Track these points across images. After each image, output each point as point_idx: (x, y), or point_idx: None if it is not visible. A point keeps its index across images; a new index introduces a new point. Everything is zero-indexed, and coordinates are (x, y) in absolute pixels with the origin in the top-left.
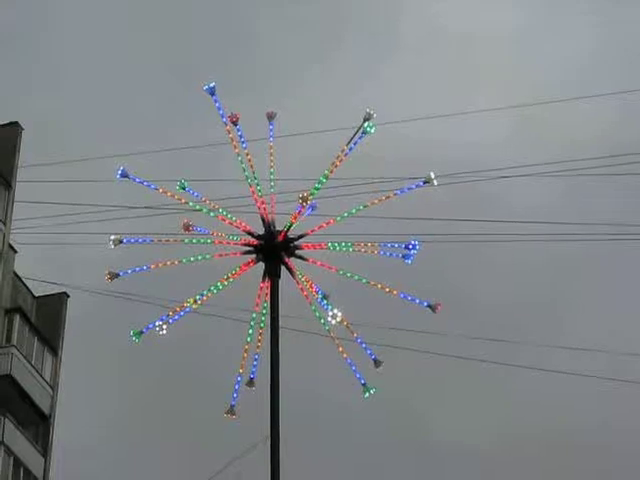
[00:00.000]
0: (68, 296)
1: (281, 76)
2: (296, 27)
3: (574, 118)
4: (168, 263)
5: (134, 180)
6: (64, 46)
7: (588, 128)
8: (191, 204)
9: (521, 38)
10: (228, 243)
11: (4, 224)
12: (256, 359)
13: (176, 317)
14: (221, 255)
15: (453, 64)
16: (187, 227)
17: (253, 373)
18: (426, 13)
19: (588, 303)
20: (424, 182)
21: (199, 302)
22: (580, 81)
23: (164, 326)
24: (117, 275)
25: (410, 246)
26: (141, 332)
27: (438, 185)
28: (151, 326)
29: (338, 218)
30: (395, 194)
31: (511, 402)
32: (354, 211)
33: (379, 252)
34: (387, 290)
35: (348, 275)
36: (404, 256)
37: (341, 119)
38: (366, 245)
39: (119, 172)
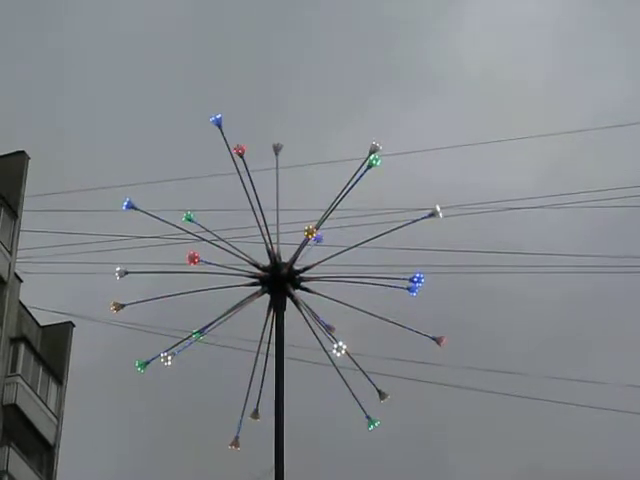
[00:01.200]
0: (74, 325)
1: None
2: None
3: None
4: (174, 294)
5: (141, 211)
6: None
7: None
8: (197, 236)
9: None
10: (233, 275)
11: (10, 253)
12: (261, 391)
13: (181, 348)
14: (226, 287)
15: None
16: (193, 258)
17: (258, 404)
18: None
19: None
20: (430, 214)
21: (204, 333)
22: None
23: (169, 357)
24: (123, 306)
25: (415, 279)
26: (146, 363)
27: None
28: (156, 357)
29: (343, 251)
30: (400, 227)
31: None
32: (359, 243)
33: (384, 284)
34: (392, 322)
35: (353, 307)
36: (409, 289)
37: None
38: (371, 277)
39: (125, 203)
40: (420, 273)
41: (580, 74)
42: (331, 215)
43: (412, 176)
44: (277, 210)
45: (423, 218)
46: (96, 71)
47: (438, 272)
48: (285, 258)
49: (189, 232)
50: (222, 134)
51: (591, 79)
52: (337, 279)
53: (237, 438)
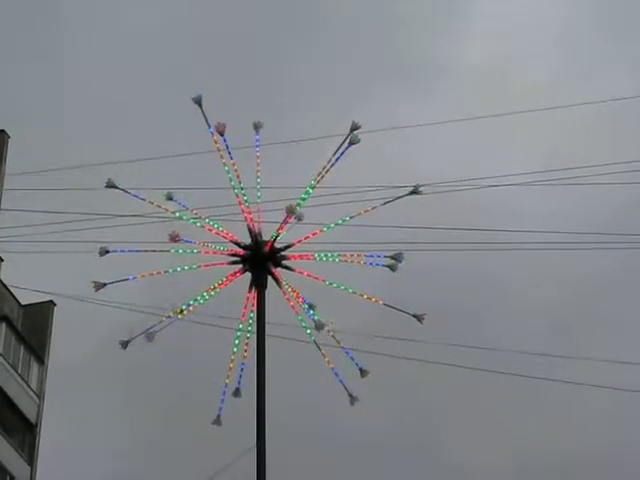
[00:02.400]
0: (55, 304)
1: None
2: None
3: None
4: (154, 273)
5: (121, 190)
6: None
7: None
8: (178, 214)
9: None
10: (214, 253)
11: None
12: (242, 369)
13: (162, 326)
14: (207, 265)
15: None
16: (174, 237)
17: (239, 383)
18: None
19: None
20: (412, 192)
21: (185, 312)
22: None
23: (150, 336)
24: (103, 285)
25: (396, 257)
26: (127, 341)
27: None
28: (137, 335)
29: (325, 228)
30: (381, 205)
31: (530, 420)
32: (341, 221)
33: (365, 262)
34: (373, 300)
35: (334, 285)
36: (390, 266)
37: None
38: (352, 255)
39: (106, 182)
40: (401, 251)
41: (581, 74)
42: (313, 193)
43: (394, 156)
44: (258, 188)
45: (405, 196)
46: (75, 47)
47: (420, 250)
48: (266, 236)
49: (170, 211)
50: (202, 112)
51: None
52: (318, 257)
53: (219, 416)
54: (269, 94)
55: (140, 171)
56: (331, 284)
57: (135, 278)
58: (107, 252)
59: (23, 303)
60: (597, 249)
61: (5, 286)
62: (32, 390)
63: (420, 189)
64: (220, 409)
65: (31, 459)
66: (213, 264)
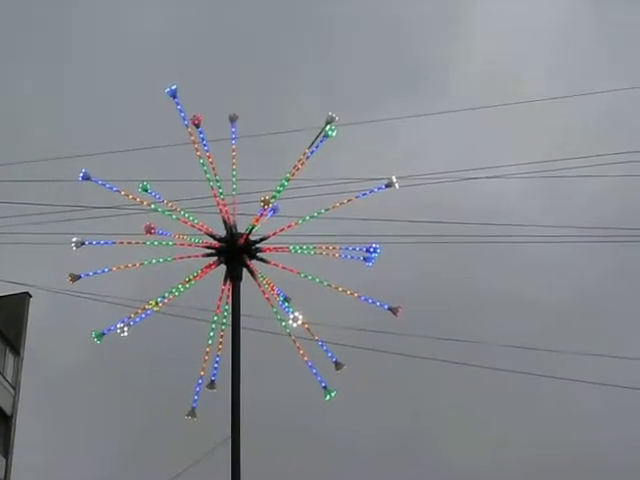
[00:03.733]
0: (30, 296)
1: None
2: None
3: None
4: (130, 265)
5: (96, 182)
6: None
7: None
8: (153, 206)
9: None
10: (189, 245)
11: None
12: (217, 361)
13: (137, 319)
14: (182, 257)
15: None
16: (149, 229)
17: (214, 375)
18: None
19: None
20: (386, 185)
21: (160, 304)
22: None
23: (125, 328)
24: (79, 277)
25: (371, 249)
26: (102, 334)
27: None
28: (112, 328)
29: (300, 221)
30: (357, 197)
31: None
32: (316, 214)
33: (340, 255)
34: (348, 293)
35: (309, 278)
36: (365, 259)
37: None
38: (327, 248)
39: (81, 174)
40: (376, 244)
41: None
42: (288, 186)
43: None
44: (233, 180)
45: (379, 189)
46: (48, 39)
47: (395, 242)
48: (241, 229)
49: (144, 202)
50: (177, 105)
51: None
52: (294, 249)
53: (194, 409)
54: (254, 86)
55: (115, 163)
56: (306, 276)
57: (110, 270)
58: (82, 244)
59: None
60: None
61: None
62: (7, 381)
63: (394, 182)
64: (195, 401)
65: (6, 451)
66: (188, 256)
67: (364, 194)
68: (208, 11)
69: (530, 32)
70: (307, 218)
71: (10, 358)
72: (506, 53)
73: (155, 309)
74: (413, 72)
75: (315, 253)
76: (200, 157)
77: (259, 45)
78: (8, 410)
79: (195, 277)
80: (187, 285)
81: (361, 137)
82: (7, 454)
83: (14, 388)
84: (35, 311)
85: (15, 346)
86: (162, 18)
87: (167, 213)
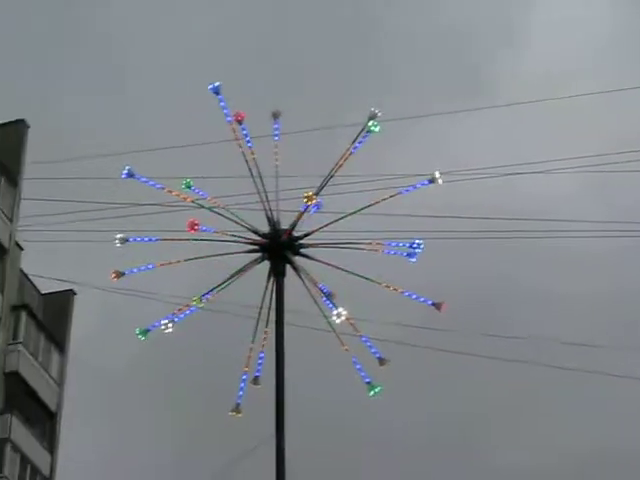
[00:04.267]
0: (75, 293)
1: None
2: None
3: None
4: (174, 261)
5: (140, 179)
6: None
7: None
8: (196, 203)
9: None
10: (233, 242)
11: (11, 221)
12: (261, 357)
13: (182, 315)
14: (226, 254)
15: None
16: (192, 226)
17: (259, 371)
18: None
19: None
20: (429, 181)
21: (204, 301)
22: None
23: (170, 324)
24: (123, 274)
25: (414, 245)
26: (147, 330)
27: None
28: (157, 324)
29: (343, 216)
30: (400, 192)
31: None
32: (359, 209)
33: (383, 250)
34: (392, 288)
35: (353, 273)
36: (408, 254)
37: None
38: (371, 244)
39: (125, 172)
40: (419, 239)
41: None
42: (331, 182)
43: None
44: (276, 177)
45: (423, 184)
46: (96, 37)
47: (439, 238)
48: (285, 225)
49: (189, 199)
50: (220, 102)
51: None
52: (336, 245)
53: (238, 405)
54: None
55: (160, 160)
56: (350, 272)
57: (154, 266)
58: (126, 241)
59: (43, 292)
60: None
61: (25, 275)
62: (52, 379)
63: (438, 178)
64: (239, 397)
65: (52, 448)
66: (232, 253)
67: (407, 190)
68: (254, 9)
69: (582, 34)
70: (350, 213)
71: (55, 355)
72: (557, 54)
73: (199, 305)
74: (467, 76)
75: (358, 249)
76: (243, 153)
77: (310, 43)
78: (53, 407)
79: (239, 273)
80: (231, 281)
81: (412, 135)
82: (52, 450)
83: (59, 385)
84: (80, 308)
85: (60, 343)
86: (206, 17)
87: (211, 209)
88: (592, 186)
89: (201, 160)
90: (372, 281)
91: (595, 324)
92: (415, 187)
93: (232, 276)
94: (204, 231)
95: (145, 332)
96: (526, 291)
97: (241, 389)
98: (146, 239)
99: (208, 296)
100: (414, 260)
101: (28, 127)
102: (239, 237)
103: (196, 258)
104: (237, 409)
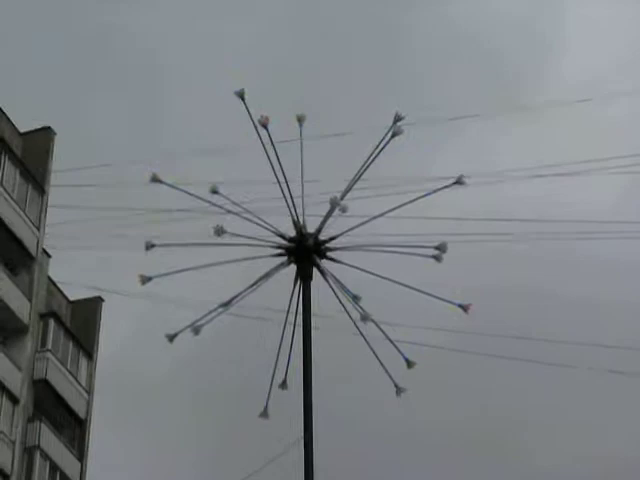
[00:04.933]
0: (103, 300)
1: None
2: None
3: None
4: (200, 266)
5: (165, 184)
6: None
7: None
8: (222, 207)
9: None
10: (259, 246)
11: (38, 229)
12: (289, 361)
13: (208, 320)
14: (252, 258)
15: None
16: (218, 231)
17: (286, 375)
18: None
19: None
20: (455, 182)
21: (231, 305)
22: None
23: (197, 329)
24: (149, 279)
25: (440, 247)
26: (174, 335)
27: (469, 185)
28: (184, 329)
29: (369, 219)
30: (425, 195)
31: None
32: (386, 212)
33: (410, 253)
34: (418, 291)
35: (379, 276)
36: (435, 257)
37: None
38: (396, 246)
39: (150, 176)
40: (445, 242)
41: None
42: (357, 185)
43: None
44: (302, 181)
45: (448, 186)
46: (123, 47)
47: (467, 240)
48: (311, 229)
49: (214, 204)
50: (245, 106)
51: None
52: (363, 248)
53: (266, 408)
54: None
55: (186, 165)
56: (376, 275)
57: (180, 271)
58: (153, 246)
59: (71, 299)
60: None
61: (53, 282)
62: (81, 386)
63: (464, 180)
64: (267, 401)
65: (81, 455)
66: (258, 257)
67: (432, 192)
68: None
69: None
70: (376, 216)
71: (83, 362)
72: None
73: (226, 309)
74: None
75: (385, 251)
76: (268, 158)
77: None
78: (82, 414)
79: (265, 278)
80: (257, 286)
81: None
82: (82, 458)
83: (88, 392)
84: (109, 315)
85: (88, 350)
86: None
87: (237, 214)
88: (632, 190)
89: (226, 164)
90: (399, 284)
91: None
92: (441, 188)
93: (258, 280)
94: (230, 236)
95: (173, 337)
96: (564, 297)
97: (269, 393)
98: (172, 244)
99: (234, 300)
100: (441, 262)
101: (55, 134)
102: (265, 241)
103: (222, 263)
104: (265, 413)
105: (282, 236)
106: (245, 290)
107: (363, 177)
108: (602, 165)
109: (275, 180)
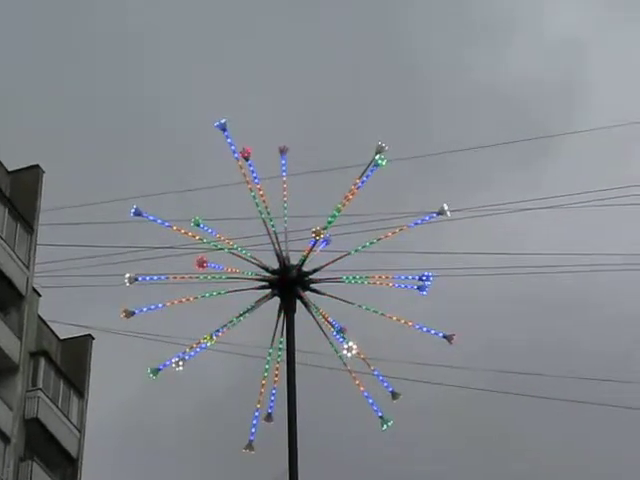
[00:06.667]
0: (93, 338)
1: None
2: None
3: None
4: (183, 300)
5: (147, 218)
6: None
7: None
8: (205, 241)
9: None
10: (243, 279)
11: (27, 268)
12: (274, 394)
13: (192, 354)
14: (236, 291)
15: None
16: (201, 263)
17: (271, 408)
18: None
19: None
20: (437, 214)
21: (215, 338)
22: None
23: (180, 362)
24: (133, 313)
25: (424, 277)
26: (158, 369)
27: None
28: (168, 363)
29: (352, 251)
30: (408, 226)
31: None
32: (368, 244)
33: (394, 284)
34: (402, 322)
35: (363, 308)
36: (419, 288)
37: None
38: (380, 277)
39: (132, 210)
40: (429, 272)
41: None
42: (340, 219)
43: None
44: (285, 214)
45: (431, 217)
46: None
47: (452, 275)
48: (294, 261)
49: (197, 237)
50: (227, 138)
51: None
52: (347, 280)
53: (251, 442)
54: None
55: (170, 201)
56: (360, 306)
57: (164, 306)
58: (136, 280)
59: (61, 337)
60: None
61: (43, 321)
62: (72, 424)
63: (446, 210)
64: (252, 434)
65: None
66: (242, 289)
67: (416, 223)
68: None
69: None
70: (359, 249)
71: (74, 401)
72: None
73: (210, 343)
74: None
75: (368, 283)
76: (251, 190)
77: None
78: (74, 453)
79: (249, 310)
80: (241, 318)
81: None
82: None
83: (79, 431)
84: (97, 352)
85: (79, 389)
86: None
87: (219, 247)
88: None
89: (209, 198)
90: (383, 315)
91: None
92: (423, 220)
93: (243, 313)
94: (213, 269)
95: (156, 371)
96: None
97: (254, 426)
98: (155, 277)
99: (219, 334)
100: (425, 293)
101: (43, 172)
102: (248, 274)
103: (206, 296)
104: (250, 446)
105: (265, 268)
106: (229, 323)
107: (347, 211)
108: None
109: (258, 214)
